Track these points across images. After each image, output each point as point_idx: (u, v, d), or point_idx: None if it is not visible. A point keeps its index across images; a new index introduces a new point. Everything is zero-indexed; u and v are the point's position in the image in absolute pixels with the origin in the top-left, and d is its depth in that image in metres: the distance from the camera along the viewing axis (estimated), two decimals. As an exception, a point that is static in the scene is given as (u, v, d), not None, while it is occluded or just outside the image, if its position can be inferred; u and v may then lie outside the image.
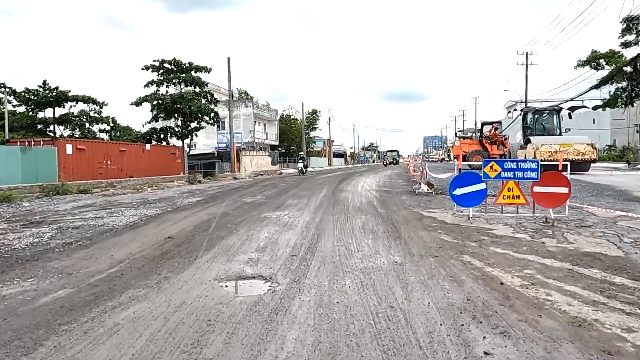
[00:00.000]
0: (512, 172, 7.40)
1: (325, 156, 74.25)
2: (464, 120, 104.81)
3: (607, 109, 68.91)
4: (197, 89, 29.82)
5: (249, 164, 39.12)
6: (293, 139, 63.79)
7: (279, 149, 65.23)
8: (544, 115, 18.12)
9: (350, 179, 20.47)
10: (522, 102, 47.66)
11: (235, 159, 29.22)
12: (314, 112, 65.46)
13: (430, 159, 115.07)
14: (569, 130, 18.30)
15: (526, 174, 7.36)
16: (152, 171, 24.05)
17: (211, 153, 37.66)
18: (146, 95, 27.38)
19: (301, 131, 63.72)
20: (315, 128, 66.10)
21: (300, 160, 31.71)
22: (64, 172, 17.93)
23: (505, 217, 7.72)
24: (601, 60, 35.40)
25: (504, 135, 23.96)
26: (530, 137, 16.36)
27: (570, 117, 19.54)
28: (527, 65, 46.79)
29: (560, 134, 17.47)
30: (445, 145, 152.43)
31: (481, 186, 7.54)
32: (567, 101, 52.79)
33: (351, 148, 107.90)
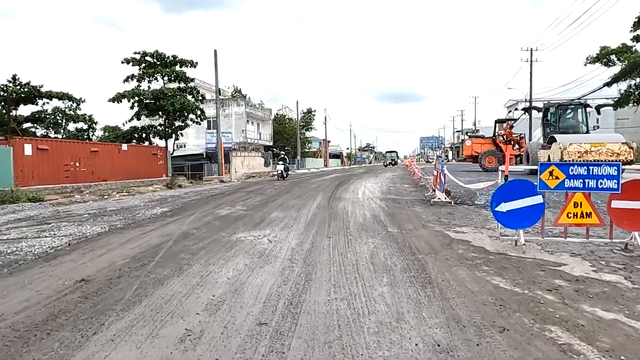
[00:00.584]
0: (581, 181, 5.25)
1: (321, 157, 72.04)
2: (462, 120, 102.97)
3: (610, 108, 67.54)
4: (182, 85, 27.61)
5: (240, 165, 36.84)
6: (288, 140, 61.55)
7: (273, 149, 63.00)
8: (568, 110, 16.03)
9: (349, 183, 18.33)
10: (526, 100, 45.69)
11: (223, 161, 26.99)
12: (309, 111, 63.24)
13: (430, 159, 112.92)
14: (598, 127, 16.22)
15: (601, 183, 5.21)
16: (129, 174, 21.78)
17: (200, 154, 35.38)
18: (125, 91, 25.11)
19: (296, 131, 61.49)
20: (311, 128, 63.89)
21: (281, 162, 24.02)
22: (21, 176, 15.66)
23: (567, 242, 5.56)
24: (612, 56, 33.37)
25: (520, 134, 21.81)
26: (555, 136, 14.26)
27: (598, 113, 17.45)
28: (531, 61, 44.88)
29: (587, 132, 15.39)
30: (443, 146, 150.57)
31: (536, 200, 5.39)
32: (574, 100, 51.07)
33: (347, 149, 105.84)
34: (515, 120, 24.16)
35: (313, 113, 63.08)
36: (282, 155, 25.03)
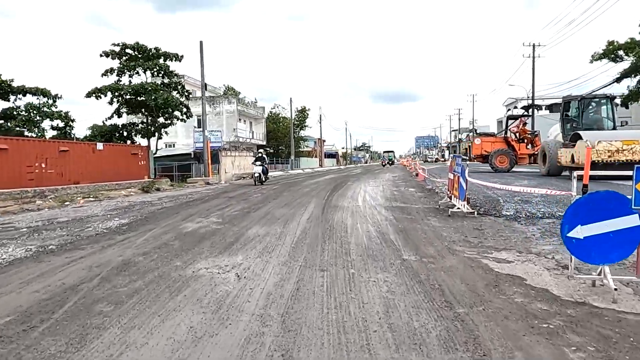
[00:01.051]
0: (702, 193, 3.48)
1: (316, 157, 70.25)
2: (459, 119, 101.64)
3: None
4: (167, 80, 25.70)
5: (230, 166, 34.96)
6: (282, 139, 59.73)
7: (267, 149, 61.14)
8: (592, 104, 14.29)
9: (346, 186, 16.57)
10: (528, 97, 44.13)
11: (209, 161, 25.10)
12: (303, 109, 61.37)
13: (429, 159, 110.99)
14: (626, 122, 14.58)
15: None
16: (106, 176, 19.86)
17: (188, 154, 33.46)
18: (103, 86, 23.16)
19: (290, 130, 59.62)
20: (305, 126, 62.07)
21: (258, 162, 20.08)
22: (-27, 179, 13.73)
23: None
24: (620, 52, 31.81)
25: (535, 131, 20.05)
26: (581, 132, 12.55)
27: (626, 107, 15.80)
28: (534, 57, 43.34)
29: (614, 128, 13.68)
30: (439, 145, 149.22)
31: (630, 221, 3.62)
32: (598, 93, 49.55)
33: (343, 148, 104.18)
34: (528, 115, 22.38)
35: (307, 111, 61.30)
36: (260, 155, 21.24)
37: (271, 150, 62.62)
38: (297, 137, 61.58)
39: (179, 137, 45.78)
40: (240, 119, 50.82)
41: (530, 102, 59.45)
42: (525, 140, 18.93)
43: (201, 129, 38.80)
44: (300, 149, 67.31)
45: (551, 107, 62.41)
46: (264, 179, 19.68)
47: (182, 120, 25.81)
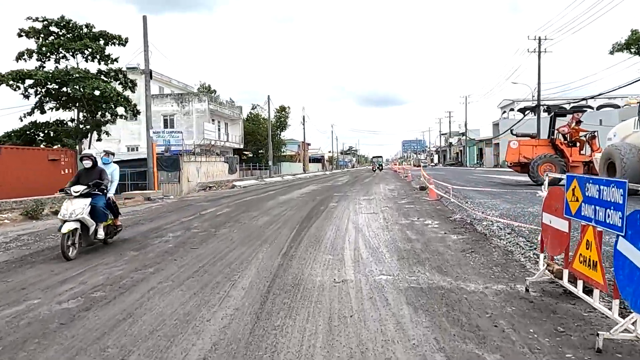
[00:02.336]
0: None
1: (300, 161, 65.16)
2: (450, 122, 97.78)
3: (610, 108, 62.67)
4: (104, 67, 20.44)
5: (195, 173, 29.72)
6: (262, 142, 54.57)
7: (246, 153, 55.92)
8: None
9: (327, 210, 11.53)
10: (533, 98, 39.82)
11: (155, 169, 19.74)
12: (282, 109, 56.14)
13: (423, 163, 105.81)
14: None
15: None
16: (5, 189, 14.55)
17: (143, 159, 28.04)
18: (11, 71, 17.79)
19: (268, 131, 54.50)
20: (286, 126, 56.91)
21: (80, 188, 6.22)
22: None
23: None
24: (644, 42, 27.70)
25: (592, 132, 15.13)
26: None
27: None
28: (539, 52, 39.06)
29: None
30: (428, 149, 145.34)
31: None
32: (589, 98, 45.45)
33: (330, 152, 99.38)
34: (583, 110, 17.55)
35: (287, 110, 56.12)
36: (90, 159, 6.68)
37: (250, 155, 57.48)
38: (277, 139, 56.52)
39: (142, 140, 40.29)
40: (213, 120, 45.53)
41: (531, 102, 55.38)
42: (579, 144, 14.28)
43: (165, 130, 33.52)
44: (282, 153, 62.24)
45: (549, 110, 58.22)
46: (100, 236, 6.57)
47: (124, 117, 20.52)
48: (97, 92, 18.19)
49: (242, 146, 50.95)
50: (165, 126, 42.19)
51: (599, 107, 61.56)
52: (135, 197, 16.95)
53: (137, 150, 40.72)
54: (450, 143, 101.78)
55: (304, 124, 54.15)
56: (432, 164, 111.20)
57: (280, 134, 57.13)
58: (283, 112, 55.82)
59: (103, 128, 21.07)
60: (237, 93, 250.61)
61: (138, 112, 20.36)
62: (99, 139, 21.25)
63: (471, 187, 16.04)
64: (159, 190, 18.81)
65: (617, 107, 61.33)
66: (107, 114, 19.76)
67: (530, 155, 15.11)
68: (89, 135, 19.95)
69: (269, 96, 38.53)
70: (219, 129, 47.19)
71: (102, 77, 20.15)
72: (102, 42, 20.34)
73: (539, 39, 38.87)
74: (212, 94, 48.21)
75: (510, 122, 59.28)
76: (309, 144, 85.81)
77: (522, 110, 66.96)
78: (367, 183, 23.71)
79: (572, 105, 30.08)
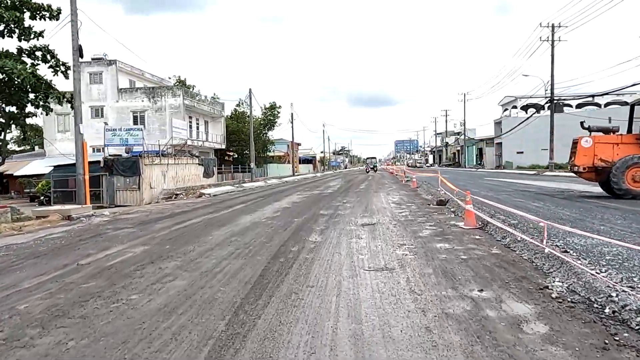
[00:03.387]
0: None
1: (289, 162, 60.69)
2: (446, 121, 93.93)
3: (618, 106, 59.01)
4: (25, 44, 15.86)
5: (160, 178, 25.21)
6: (247, 141, 50.04)
7: (229, 153, 51.39)
8: None
9: (309, 240, 7.27)
10: (546, 91, 35.73)
11: (86, 177, 15.06)
12: (272, 107, 51.70)
13: (419, 163, 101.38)
14: None
15: None
16: None
17: (96, 161, 23.46)
18: None
19: (258, 129, 50.06)
20: (274, 125, 52.43)
21: None
22: None
23: None
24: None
25: None
26: None
27: None
28: (553, 40, 34.99)
29: None
30: (423, 149, 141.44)
31: None
32: (599, 95, 41.61)
33: (322, 153, 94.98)
34: None
35: (277, 109, 51.68)
36: None
37: (235, 155, 52.97)
38: (264, 139, 52.04)
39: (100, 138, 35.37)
40: (191, 117, 40.96)
41: (541, 98, 51.41)
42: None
43: (123, 127, 28.81)
44: (269, 154, 57.76)
45: (555, 106, 54.32)
46: None
47: (48, 109, 15.92)
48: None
49: (224, 146, 46.40)
50: (135, 123, 37.49)
51: (606, 104, 57.97)
52: (51, 214, 12.41)
53: (102, 151, 36.02)
54: (447, 143, 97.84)
55: (292, 122, 49.73)
56: (427, 164, 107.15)
57: (267, 133, 52.64)
58: (272, 111, 51.27)
59: (29, 121, 16.50)
60: (227, 93, 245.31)
61: (68, 102, 15.67)
62: (24, 138, 16.64)
63: (506, 198, 11.82)
64: (87, 206, 14.18)
65: (625, 104, 57.80)
66: (21, 104, 15.14)
67: (611, 157, 10.84)
68: (1, 131, 15.35)
69: (250, 89, 34.03)
70: (197, 127, 42.61)
71: (26, 57, 15.63)
72: (27, 14, 15.84)
73: (552, 26, 34.81)
74: (190, 89, 43.58)
75: (514, 120, 55.38)
76: (299, 144, 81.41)
77: (525, 108, 63.08)
78: (363, 191, 19.39)
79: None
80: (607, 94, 37.87)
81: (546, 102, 35.66)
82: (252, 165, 35.30)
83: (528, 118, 43.13)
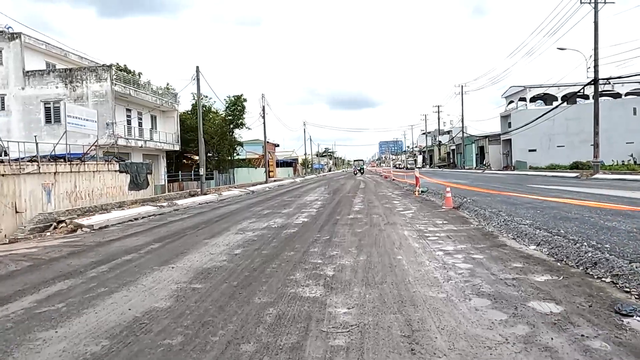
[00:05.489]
0: None
1: (262, 166, 51.61)
2: (439, 118, 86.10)
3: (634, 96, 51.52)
4: None
5: (39, 195, 16.05)
6: (209, 142, 40.94)
7: (187, 155, 42.15)
8: None
9: None
10: (588, 69, 27.52)
11: None
12: (238, 99, 42.52)
13: (409, 164, 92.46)
14: None
15: None
16: None
17: None
18: None
19: (222, 127, 40.90)
20: (242, 121, 43.35)
21: None
22: None
23: None
24: None
25: None
26: None
27: None
28: (596, 2, 26.93)
29: None
30: (411, 149, 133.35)
31: None
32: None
33: (306, 154, 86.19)
34: None
35: (242, 100, 42.57)
36: None
37: (197, 158, 43.68)
38: (230, 139, 42.95)
39: (12, 137, 25.82)
40: (130, 110, 31.64)
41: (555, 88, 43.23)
42: None
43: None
44: (239, 156, 48.67)
45: (556, 98, 46.65)
46: None
47: None
48: None
49: (177, 147, 37.18)
50: (48, 117, 28.09)
51: (627, 94, 50.60)
52: None
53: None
54: (440, 142, 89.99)
55: (264, 117, 40.70)
56: (418, 165, 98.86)
57: (233, 132, 43.55)
58: (238, 104, 42.14)
59: None
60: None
61: None
62: None
63: None
64: None
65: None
66: None
67: None
68: None
69: (197, 67, 24.89)
70: (140, 123, 33.32)
71: None
72: None
73: (596, -15, 26.74)
74: (130, 74, 34.21)
75: (525, 113, 47.52)
76: (276, 145, 72.47)
77: (533, 100, 55.29)
78: (359, 217, 10.68)
79: None
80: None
81: (588, 84, 27.51)
82: (202, 171, 26.12)
83: (554, 108, 35.12)
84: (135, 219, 13.27)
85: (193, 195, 24.91)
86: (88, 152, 19.89)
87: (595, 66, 26.89)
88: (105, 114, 27.48)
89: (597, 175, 25.41)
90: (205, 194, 24.14)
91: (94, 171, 19.33)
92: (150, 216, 14.28)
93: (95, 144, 20.65)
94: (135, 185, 22.60)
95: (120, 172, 21.43)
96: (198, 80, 24.56)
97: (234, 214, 13.74)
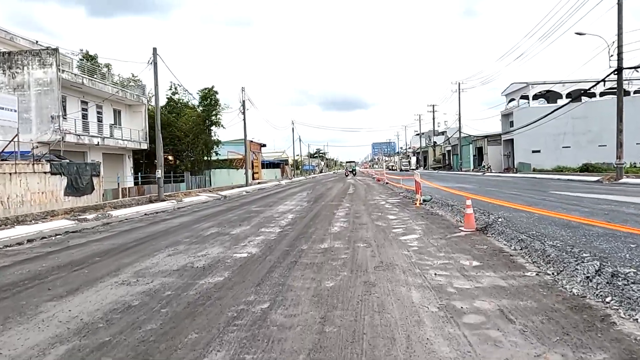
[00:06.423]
0: None
1: (249, 167, 47.57)
2: (434, 118, 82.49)
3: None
4: None
5: None
6: (184, 140, 36.93)
7: (168, 157, 38.06)
8: None
9: None
10: (611, 56, 23.95)
11: None
12: (209, 92, 38.31)
13: (403, 166, 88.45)
14: None
15: None
16: None
17: None
18: None
19: (196, 124, 36.89)
20: (216, 118, 39.30)
21: None
22: None
23: None
24: None
25: None
26: None
27: None
28: (621, -19, 23.41)
29: None
30: (405, 150, 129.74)
31: None
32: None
33: (295, 155, 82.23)
34: None
35: (213, 93, 38.36)
36: None
37: (170, 159, 39.64)
38: (205, 138, 38.94)
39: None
40: (85, 102, 27.55)
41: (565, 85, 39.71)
42: None
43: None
44: (218, 156, 44.70)
45: (561, 95, 43.19)
46: None
47: None
48: None
49: (145, 146, 33.08)
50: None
51: (635, 92, 47.37)
52: None
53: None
54: (435, 142, 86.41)
55: (244, 113, 36.75)
56: (412, 167, 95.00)
57: (210, 130, 39.53)
58: (209, 97, 38.07)
59: None
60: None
61: None
62: None
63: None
64: None
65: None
66: None
67: None
68: None
69: (155, 49, 20.90)
70: (99, 119, 29.24)
71: None
72: None
73: (621, -40, 23.23)
74: (90, 62, 30.07)
75: (529, 111, 44.11)
76: (263, 145, 68.46)
77: (536, 97, 51.87)
78: (337, 246, 6.99)
79: None
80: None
81: (611, 73, 23.97)
82: (159, 173, 22.03)
83: (563, 106, 31.64)
84: (19, 244, 9.28)
85: (153, 202, 20.97)
86: (4, 149, 15.83)
87: (619, 53, 23.34)
88: (51, 105, 23.43)
89: (623, 180, 21.85)
90: (163, 201, 20.17)
91: (10, 173, 15.29)
92: (53, 236, 10.30)
93: (16, 139, 16.56)
94: (74, 190, 18.57)
95: (53, 173, 17.40)
96: (155, 64, 20.59)
97: (166, 234, 9.83)
